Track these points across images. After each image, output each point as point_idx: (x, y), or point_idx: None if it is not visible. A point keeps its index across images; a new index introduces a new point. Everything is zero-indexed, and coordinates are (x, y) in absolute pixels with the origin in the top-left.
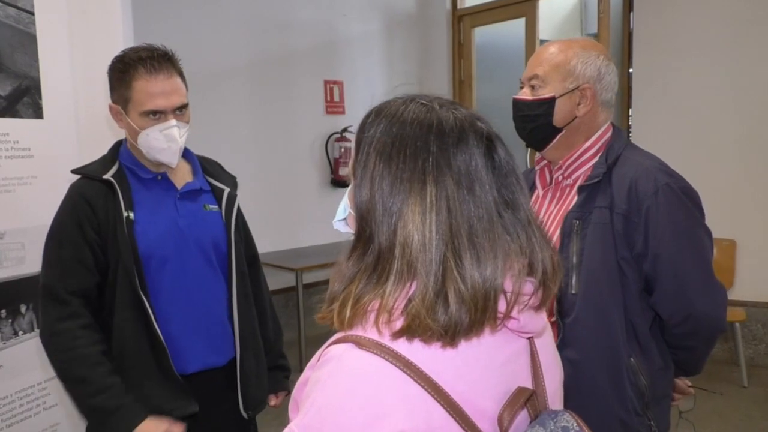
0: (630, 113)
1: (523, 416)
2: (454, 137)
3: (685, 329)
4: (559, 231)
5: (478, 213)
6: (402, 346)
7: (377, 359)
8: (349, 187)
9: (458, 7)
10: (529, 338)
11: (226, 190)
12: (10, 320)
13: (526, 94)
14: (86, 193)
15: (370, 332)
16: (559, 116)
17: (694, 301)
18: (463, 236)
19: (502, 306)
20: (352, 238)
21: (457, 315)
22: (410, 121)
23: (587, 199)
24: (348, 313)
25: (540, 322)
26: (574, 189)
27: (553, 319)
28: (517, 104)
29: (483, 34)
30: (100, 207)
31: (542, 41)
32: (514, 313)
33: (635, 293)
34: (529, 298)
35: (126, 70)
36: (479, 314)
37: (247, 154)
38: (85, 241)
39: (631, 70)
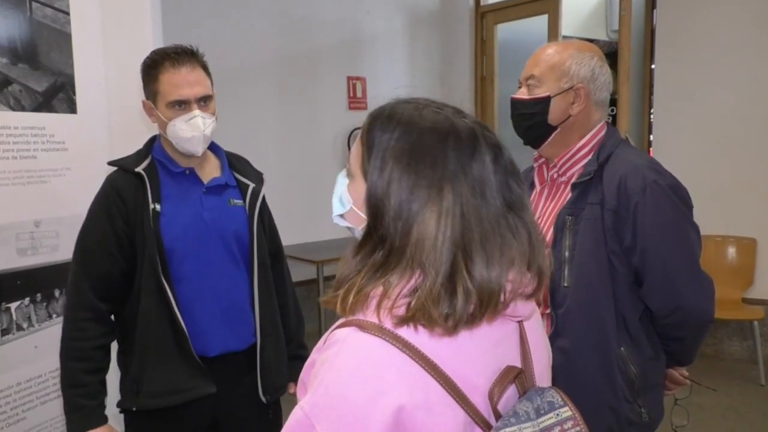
0: (651, 110)
1: (512, 392)
2: (470, 146)
3: (674, 320)
4: (553, 226)
5: (488, 217)
6: (401, 330)
7: (378, 341)
8: (347, 182)
9: (481, 3)
10: (518, 321)
11: (251, 185)
12: (44, 304)
13: (523, 94)
14: (118, 185)
15: (370, 318)
16: (554, 115)
17: (681, 294)
18: (476, 239)
19: (500, 305)
20: (358, 233)
21: (462, 309)
22: (428, 129)
23: (580, 195)
24: (351, 299)
25: (529, 307)
26: (569, 186)
27: (548, 311)
28: (515, 103)
29: (505, 31)
30: (130, 198)
31: (565, 38)
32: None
33: (625, 286)
34: (522, 290)
35: (154, 66)
36: (483, 309)
37: (271, 148)
38: (112, 231)
39: (653, 67)
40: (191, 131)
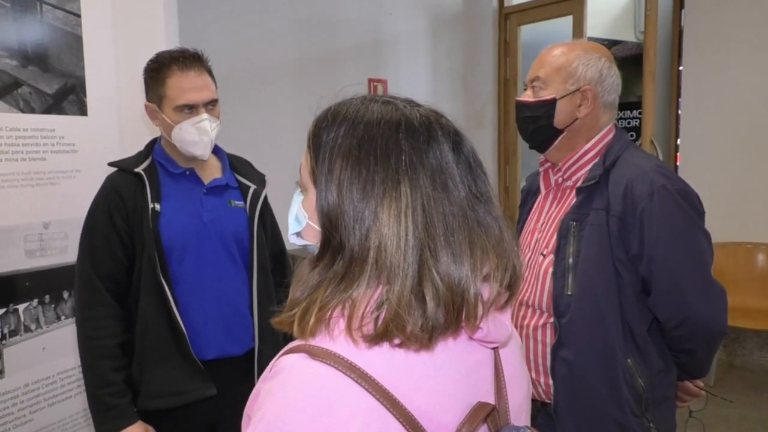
0: (679, 112)
1: (483, 431)
2: (424, 134)
3: (683, 332)
4: (557, 232)
5: (452, 210)
6: (363, 356)
7: (330, 370)
8: (301, 197)
9: (505, 5)
10: (494, 348)
11: (252, 187)
12: (53, 305)
13: (528, 96)
14: (117, 185)
15: (336, 339)
16: (560, 117)
17: (691, 304)
18: (440, 235)
19: (478, 309)
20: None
21: (434, 314)
22: (376, 121)
23: (585, 200)
24: (312, 319)
25: (504, 330)
26: (574, 191)
27: (551, 320)
28: (520, 106)
29: (529, 32)
30: (129, 198)
31: (590, 39)
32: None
33: (631, 295)
34: (491, 304)
35: (160, 69)
36: (456, 313)
37: (291, 150)
38: (113, 229)
39: (681, 68)
40: (198, 135)
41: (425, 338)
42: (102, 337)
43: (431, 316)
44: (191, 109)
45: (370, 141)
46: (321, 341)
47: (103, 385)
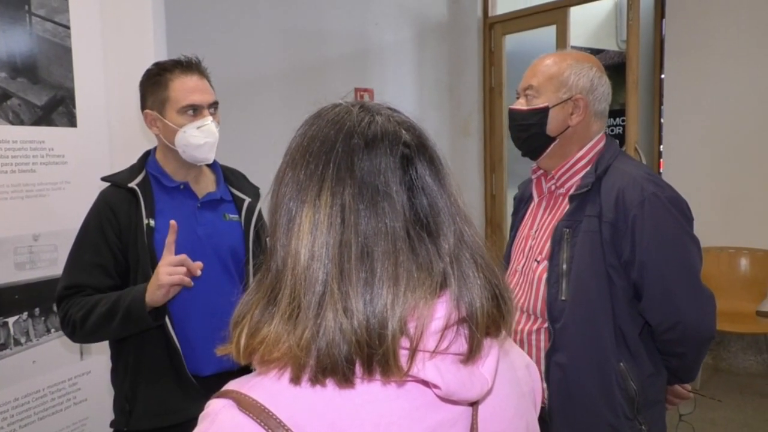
0: (661, 119)
1: None
2: (363, 139)
3: (674, 336)
4: (551, 239)
5: (377, 230)
6: (296, 405)
7: (253, 426)
8: None
9: (489, 14)
10: (472, 404)
11: (247, 200)
12: (43, 318)
13: (521, 105)
14: (111, 200)
15: (271, 375)
16: (552, 125)
17: (681, 309)
18: (352, 257)
19: (404, 353)
20: None
21: (338, 359)
22: (326, 122)
23: (577, 207)
24: (243, 344)
25: (477, 384)
26: (567, 198)
27: (546, 325)
28: (513, 114)
29: (514, 42)
30: (123, 213)
31: (573, 48)
32: (418, 367)
33: (624, 300)
34: (437, 342)
35: (162, 74)
36: (368, 361)
37: (278, 160)
38: (106, 245)
39: (663, 76)
40: (204, 138)
41: (338, 386)
42: (83, 301)
43: (336, 360)
44: (195, 111)
45: (311, 140)
46: (251, 380)
47: (107, 310)
